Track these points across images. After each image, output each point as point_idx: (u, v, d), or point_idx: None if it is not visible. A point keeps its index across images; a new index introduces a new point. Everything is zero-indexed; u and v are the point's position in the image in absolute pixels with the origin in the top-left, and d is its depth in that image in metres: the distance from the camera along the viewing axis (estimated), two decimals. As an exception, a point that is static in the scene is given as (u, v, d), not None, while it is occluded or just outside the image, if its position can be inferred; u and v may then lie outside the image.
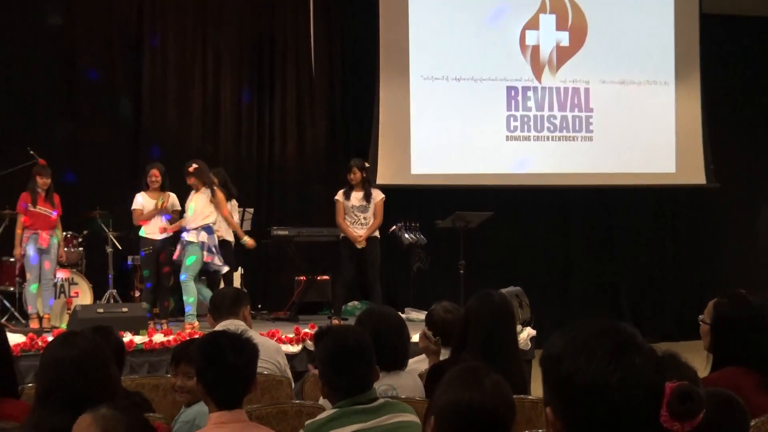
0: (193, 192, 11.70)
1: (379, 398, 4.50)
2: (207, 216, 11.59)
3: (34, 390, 4.22)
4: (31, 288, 11.90)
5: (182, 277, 11.52)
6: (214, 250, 11.59)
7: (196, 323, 11.33)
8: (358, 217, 12.12)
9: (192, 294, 11.50)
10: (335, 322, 11.92)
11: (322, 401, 5.04)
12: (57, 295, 12.35)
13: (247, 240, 12.33)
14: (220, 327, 6.64)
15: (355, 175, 12.16)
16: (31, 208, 11.87)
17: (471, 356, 5.37)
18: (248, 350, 4.39)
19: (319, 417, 4.44)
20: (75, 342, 4.15)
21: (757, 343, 5.08)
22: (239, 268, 13.49)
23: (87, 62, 14.41)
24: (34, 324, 11.65)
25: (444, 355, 5.92)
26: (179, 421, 5.11)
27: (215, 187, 11.75)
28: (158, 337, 10.72)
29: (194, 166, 11.70)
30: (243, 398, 4.35)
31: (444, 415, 3.18)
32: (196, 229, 11.55)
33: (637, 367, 2.35)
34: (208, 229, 11.59)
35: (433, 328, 6.21)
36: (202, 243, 11.57)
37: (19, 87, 13.89)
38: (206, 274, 11.82)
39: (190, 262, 11.51)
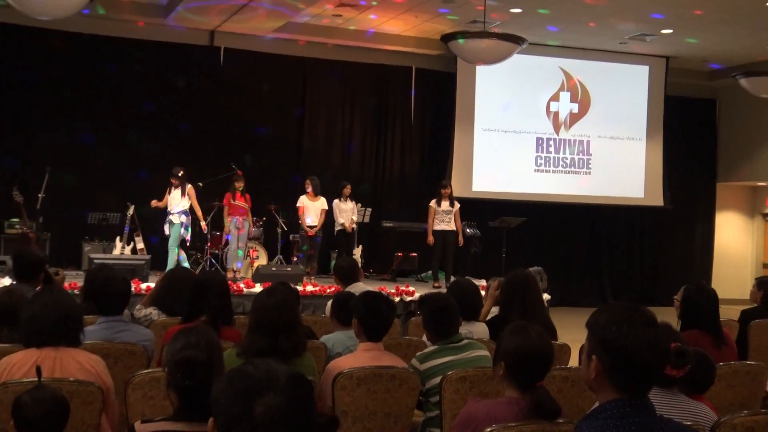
0: (176, 188, 11.59)
1: (464, 339, 4.48)
2: (184, 205, 11.50)
3: (247, 322, 4.26)
4: (239, 252, 12.07)
5: (170, 244, 11.45)
6: (189, 228, 11.60)
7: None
8: (444, 218, 12.10)
9: (172, 257, 11.44)
10: (436, 285, 11.99)
11: (425, 337, 5.02)
12: (245, 257, 12.45)
13: (203, 224, 11.98)
14: (349, 288, 6.59)
15: (447, 191, 12.18)
16: (232, 202, 12.01)
17: (514, 312, 5.32)
18: (392, 305, 4.40)
19: (425, 350, 4.44)
20: (274, 293, 4.17)
21: (710, 315, 5.05)
22: (359, 246, 13.51)
23: (268, 117, 14.58)
24: (230, 275, 11.77)
25: (494, 312, 5.82)
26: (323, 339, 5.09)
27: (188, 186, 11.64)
28: (309, 288, 10.79)
29: (181, 172, 11.63)
30: (384, 335, 4.34)
31: (509, 358, 3.15)
32: (178, 213, 11.48)
33: (658, 337, 2.32)
34: (185, 213, 11.49)
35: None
36: (182, 223, 11.49)
37: (230, 135, 14.11)
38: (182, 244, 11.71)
39: (174, 235, 11.44)
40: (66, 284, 7.89)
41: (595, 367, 2.34)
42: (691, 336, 4.83)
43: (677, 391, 3.41)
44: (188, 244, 12.00)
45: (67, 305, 3.77)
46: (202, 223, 11.95)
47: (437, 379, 4.13)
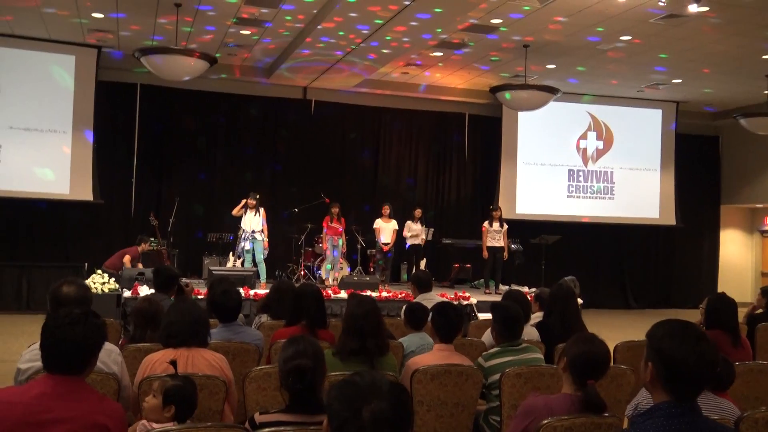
0: (251, 210, 11.22)
1: (523, 343, 4.32)
2: (261, 224, 11.20)
3: (337, 324, 4.17)
4: (327, 266, 11.99)
5: (261, 256, 11.15)
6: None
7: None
8: (495, 236, 11.89)
9: (263, 268, 11.16)
10: (487, 291, 11.82)
11: (483, 338, 4.87)
12: (337, 269, 12.36)
13: (265, 241, 11.35)
14: (419, 298, 6.46)
15: (497, 213, 12.02)
16: (329, 224, 11.95)
17: (555, 319, 5.14)
18: (459, 314, 4.26)
19: (490, 351, 4.28)
20: (363, 304, 4.07)
21: (730, 319, 4.87)
22: (424, 258, 13.36)
23: (350, 156, 14.61)
24: (319, 283, 11.68)
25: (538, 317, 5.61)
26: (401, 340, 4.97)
27: (261, 209, 11.32)
28: (384, 294, 10.63)
29: (258, 196, 11.33)
30: (454, 337, 4.22)
31: (576, 360, 3.00)
32: (261, 230, 11.18)
33: (706, 350, 2.17)
34: (261, 231, 11.18)
35: (539, 301, 5.98)
36: (263, 239, 11.20)
37: (318, 171, 14.13)
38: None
39: (259, 249, 11.17)
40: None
41: (651, 372, 2.23)
42: (713, 335, 4.66)
43: (706, 390, 3.25)
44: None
45: (197, 314, 3.74)
46: (265, 240, 11.40)
47: (498, 375, 4.00)
